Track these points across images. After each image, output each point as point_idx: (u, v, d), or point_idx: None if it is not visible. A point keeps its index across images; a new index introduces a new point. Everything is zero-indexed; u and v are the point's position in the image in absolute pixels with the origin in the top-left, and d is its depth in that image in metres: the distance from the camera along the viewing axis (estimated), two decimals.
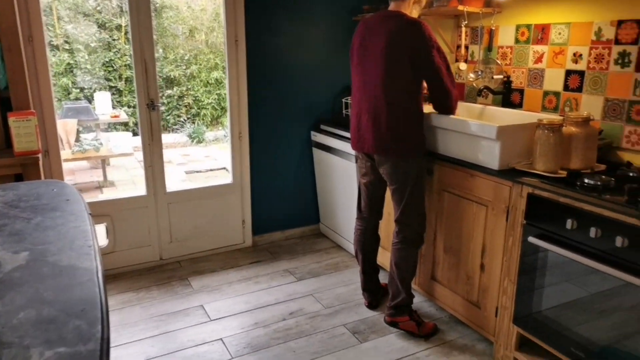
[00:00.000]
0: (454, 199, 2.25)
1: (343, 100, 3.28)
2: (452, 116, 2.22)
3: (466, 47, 2.85)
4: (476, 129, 2.08)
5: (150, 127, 2.91)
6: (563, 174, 1.90)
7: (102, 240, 3.06)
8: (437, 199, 2.36)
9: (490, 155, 2.05)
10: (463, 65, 2.65)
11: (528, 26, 2.48)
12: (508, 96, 2.58)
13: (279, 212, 3.44)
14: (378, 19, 2.19)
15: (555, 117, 2.00)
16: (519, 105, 2.58)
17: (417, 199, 2.22)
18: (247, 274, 2.97)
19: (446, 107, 2.21)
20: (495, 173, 2.02)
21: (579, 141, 1.95)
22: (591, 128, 1.97)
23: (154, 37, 2.83)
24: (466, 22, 2.58)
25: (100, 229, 3.09)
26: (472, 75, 2.66)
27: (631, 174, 1.88)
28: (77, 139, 5.63)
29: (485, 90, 2.54)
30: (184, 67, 8.54)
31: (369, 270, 2.56)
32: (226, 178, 3.25)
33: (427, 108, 2.51)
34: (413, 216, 2.24)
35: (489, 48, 2.62)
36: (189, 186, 3.28)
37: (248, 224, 3.33)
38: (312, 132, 3.35)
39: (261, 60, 3.11)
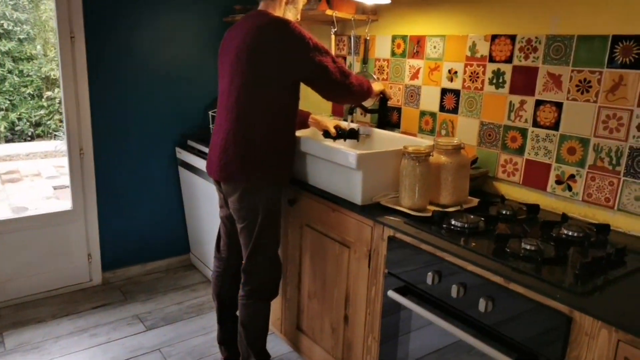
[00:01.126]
0: (317, 236, 1.90)
1: (210, 113, 2.86)
2: (315, 142, 1.88)
3: (344, 58, 2.55)
4: (336, 156, 1.75)
5: None
6: (430, 211, 1.62)
7: None
8: (300, 234, 2.00)
9: (353, 188, 1.73)
10: None
11: (404, 37, 2.21)
12: (385, 115, 2.30)
13: (138, 241, 2.92)
14: (242, 20, 1.80)
15: (421, 144, 1.72)
16: (396, 126, 2.31)
17: (267, 241, 1.83)
18: (85, 323, 2.43)
19: (355, 97, 1.87)
20: (357, 209, 1.69)
21: (448, 172, 1.67)
22: (463, 157, 1.71)
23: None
24: (335, 29, 2.26)
25: None
26: None
27: (504, 212, 1.63)
28: None
29: (357, 107, 2.23)
30: None
31: (227, 319, 2.13)
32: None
33: (306, 131, 2.16)
34: (262, 262, 1.85)
35: (364, 60, 2.33)
36: (13, 215, 2.67)
37: (96, 258, 2.79)
38: (177, 149, 2.89)
39: (110, 62, 2.60)
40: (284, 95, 1.73)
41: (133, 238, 2.90)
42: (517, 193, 1.83)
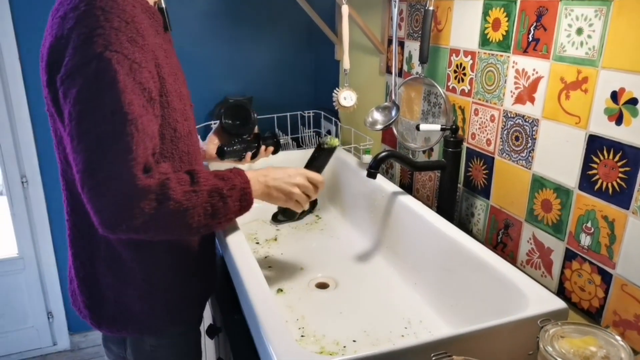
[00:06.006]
0: None
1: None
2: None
3: (401, 45, 1.38)
4: None
5: None
6: None
7: None
8: None
9: None
10: (348, 98, 1.19)
11: (508, 5, 0.99)
12: (455, 171, 1.12)
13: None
14: None
15: None
16: (482, 193, 1.12)
17: None
18: None
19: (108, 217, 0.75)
20: None
21: None
22: None
23: None
24: None
25: None
26: (377, 115, 1.19)
27: None
28: None
29: (385, 158, 1.07)
30: None
31: None
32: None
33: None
34: None
35: (423, 55, 1.15)
36: None
37: (59, 318, 2.09)
38: None
39: None
40: None
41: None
42: None
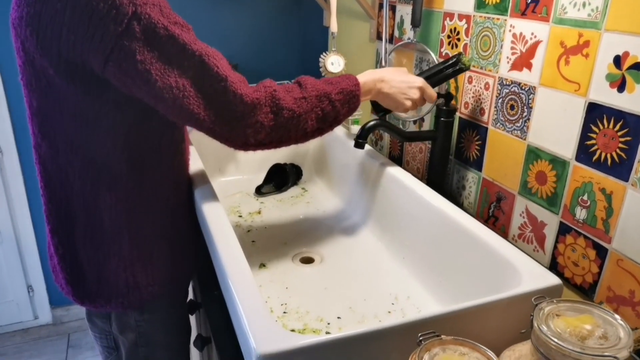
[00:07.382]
0: None
1: None
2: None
3: (392, 9, 1.31)
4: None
5: None
6: None
7: None
8: None
9: None
10: (335, 64, 1.13)
11: None
12: (447, 142, 1.07)
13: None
14: None
15: None
16: (474, 165, 1.07)
17: None
18: None
19: (235, 125, 0.81)
20: None
21: None
22: None
23: None
24: None
25: None
26: None
27: None
28: None
29: (373, 127, 1.02)
30: None
31: None
32: None
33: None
34: None
35: (416, 19, 1.08)
36: None
37: (40, 291, 2.04)
38: None
39: None
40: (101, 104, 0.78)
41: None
42: None
